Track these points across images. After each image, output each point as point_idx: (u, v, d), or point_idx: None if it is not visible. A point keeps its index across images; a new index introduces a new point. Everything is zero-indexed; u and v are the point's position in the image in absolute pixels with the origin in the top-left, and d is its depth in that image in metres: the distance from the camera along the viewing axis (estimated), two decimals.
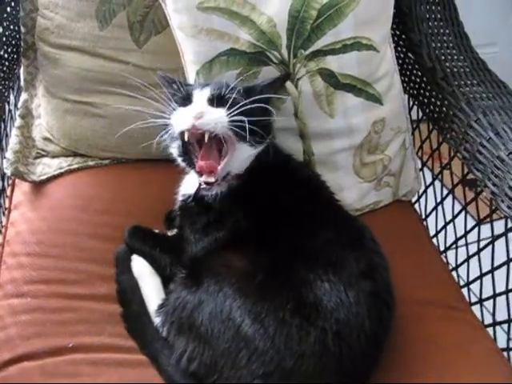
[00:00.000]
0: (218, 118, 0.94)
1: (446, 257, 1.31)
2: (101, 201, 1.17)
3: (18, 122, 1.27)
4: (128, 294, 1.04)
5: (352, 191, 1.20)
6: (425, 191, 1.36)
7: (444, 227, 1.30)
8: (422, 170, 1.36)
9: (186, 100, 0.99)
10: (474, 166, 1.08)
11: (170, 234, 1.15)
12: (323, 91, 1.09)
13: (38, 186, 1.20)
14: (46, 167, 1.22)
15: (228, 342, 0.88)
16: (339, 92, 1.11)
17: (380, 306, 0.94)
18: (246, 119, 0.93)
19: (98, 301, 1.02)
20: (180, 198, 1.09)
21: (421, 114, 1.32)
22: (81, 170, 1.22)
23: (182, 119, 0.95)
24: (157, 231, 1.14)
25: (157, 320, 0.98)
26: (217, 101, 0.96)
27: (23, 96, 1.30)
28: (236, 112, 0.93)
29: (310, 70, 1.08)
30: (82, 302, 1.02)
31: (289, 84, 1.08)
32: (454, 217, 1.27)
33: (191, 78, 1.11)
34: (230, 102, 0.95)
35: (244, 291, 0.89)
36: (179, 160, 1.07)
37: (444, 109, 1.17)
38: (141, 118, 1.18)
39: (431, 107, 1.24)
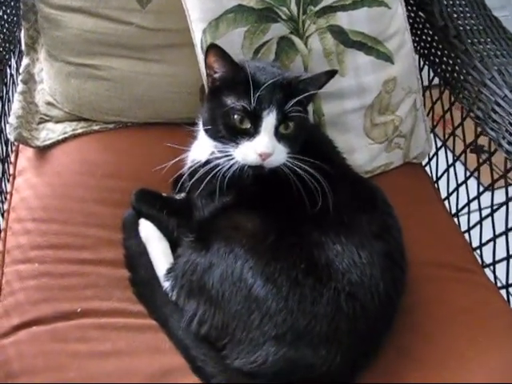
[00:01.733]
0: (282, 159, 0.93)
1: (458, 220, 1.29)
2: (107, 165, 1.15)
3: (20, 87, 1.24)
4: (136, 259, 1.02)
5: (363, 153, 1.18)
6: (435, 154, 1.33)
7: (455, 190, 1.27)
8: (432, 132, 1.32)
9: (252, 121, 0.92)
10: (488, 126, 1.05)
11: (177, 197, 1.14)
12: (333, 49, 1.06)
13: (42, 151, 1.17)
14: (50, 132, 1.19)
15: (240, 303, 0.86)
16: (350, 50, 1.08)
17: (394, 268, 0.93)
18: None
19: (105, 266, 1.01)
20: (189, 162, 1.06)
21: (431, 75, 1.28)
22: (85, 134, 1.19)
23: (247, 154, 0.92)
24: (164, 195, 1.12)
25: (166, 284, 0.96)
26: (281, 132, 0.93)
27: (25, 60, 1.27)
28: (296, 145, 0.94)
29: (319, 27, 1.05)
30: (90, 267, 1.00)
31: (298, 41, 1.05)
32: (466, 179, 1.25)
33: (197, 37, 1.07)
34: (292, 135, 0.93)
35: (255, 252, 0.88)
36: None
37: (457, 68, 1.14)
38: (147, 81, 1.17)
39: (443, 67, 1.20)
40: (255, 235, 0.90)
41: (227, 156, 0.93)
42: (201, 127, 1.04)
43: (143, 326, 0.94)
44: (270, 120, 0.91)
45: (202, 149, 1.03)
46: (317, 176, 0.91)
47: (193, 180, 1.03)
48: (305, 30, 1.04)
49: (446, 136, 1.28)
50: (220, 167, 0.94)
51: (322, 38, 1.05)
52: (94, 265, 1.01)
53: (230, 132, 0.93)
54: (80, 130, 1.18)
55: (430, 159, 1.35)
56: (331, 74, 0.97)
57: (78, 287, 0.97)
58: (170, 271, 0.97)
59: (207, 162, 0.99)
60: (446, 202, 1.30)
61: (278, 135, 0.92)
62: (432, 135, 1.31)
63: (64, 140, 1.17)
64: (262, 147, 0.91)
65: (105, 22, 1.13)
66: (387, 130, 1.17)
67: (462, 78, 1.12)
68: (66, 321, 0.92)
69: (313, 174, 0.92)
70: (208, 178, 0.97)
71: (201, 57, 1.09)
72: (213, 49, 0.94)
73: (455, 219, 1.27)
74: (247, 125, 0.92)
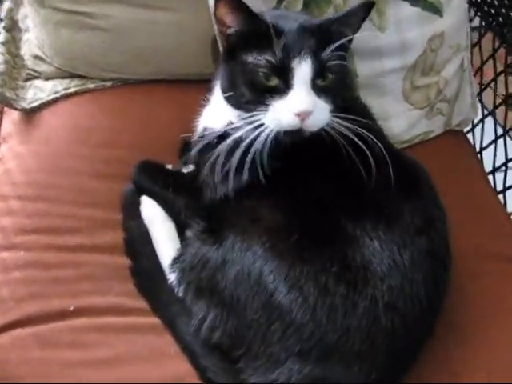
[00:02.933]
0: (325, 119, 0.78)
1: (504, 199, 1.13)
2: (102, 131, 1.00)
3: (2, 36, 1.08)
4: (137, 244, 0.90)
5: (400, 119, 1.04)
6: (481, 120, 1.17)
7: (505, 164, 1.11)
8: (479, 95, 1.15)
9: (281, 76, 0.77)
10: None
11: (185, 171, 0.99)
12: None
13: (29, 114, 1.03)
14: (39, 91, 1.04)
15: (257, 311, 0.74)
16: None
17: (436, 268, 0.79)
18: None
19: (101, 253, 0.89)
20: (200, 130, 0.91)
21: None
22: (79, 94, 1.04)
23: (282, 116, 0.76)
24: (170, 167, 0.97)
25: (171, 276, 0.84)
26: (320, 85, 0.77)
27: (6, 3, 1.10)
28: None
29: None
30: (83, 254, 0.88)
31: None
32: None
33: None
34: (333, 87, 0.78)
35: (278, 251, 0.74)
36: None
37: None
38: (149, 31, 1.00)
39: (499, 19, 1.02)
40: (277, 230, 0.76)
41: (255, 125, 0.77)
42: (216, 92, 0.88)
43: (145, 326, 0.83)
44: (303, 71, 0.76)
45: (216, 116, 0.87)
46: (371, 139, 0.76)
47: (204, 154, 0.88)
48: None
49: (497, 102, 1.11)
50: (242, 141, 0.78)
51: None
52: (89, 252, 0.89)
53: (256, 94, 0.78)
54: (73, 89, 1.04)
55: (473, 126, 1.18)
56: (368, 6, 0.81)
57: (70, 280, 0.85)
58: (175, 261, 0.84)
59: (224, 135, 0.83)
60: (491, 177, 1.14)
61: (317, 89, 0.77)
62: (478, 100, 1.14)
63: (55, 100, 1.03)
64: (298, 104, 0.75)
65: None
66: (430, 93, 1.03)
67: None
68: (55, 321, 0.81)
69: (366, 137, 0.77)
70: (225, 154, 0.81)
71: (212, 1, 0.91)
72: None
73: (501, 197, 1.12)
74: (275, 81, 0.77)
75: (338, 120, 0.78)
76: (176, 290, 0.83)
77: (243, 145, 0.78)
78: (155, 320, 0.83)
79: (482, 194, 1.06)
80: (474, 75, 1.13)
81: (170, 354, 0.80)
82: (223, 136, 0.83)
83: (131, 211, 0.92)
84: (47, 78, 1.05)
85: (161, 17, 1.00)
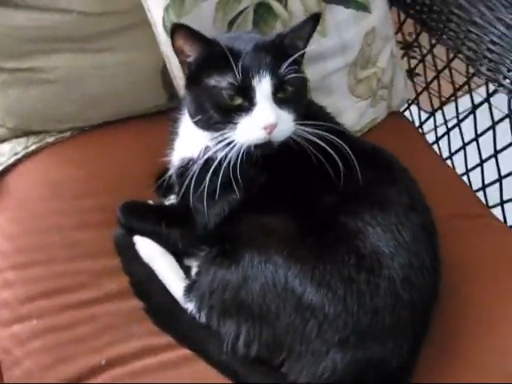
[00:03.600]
0: (290, 127, 0.82)
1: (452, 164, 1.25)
2: (75, 182, 0.99)
3: None
4: (145, 284, 0.90)
5: (350, 112, 1.11)
6: (416, 98, 1.28)
7: (447, 133, 1.23)
8: (410, 77, 1.26)
9: (244, 95, 0.80)
10: (482, 66, 1.00)
11: (167, 203, 1.01)
12: (314, 8, 0.95)
13: None
14: None
15: (290, 315, 0.78)
16: (329, 6, 1.00)
17: (431, 237, 0.87)
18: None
19: (112, 301, 0.88)
20: (177, 162, 0.93)
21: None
22: (40, 150, 1.01)
23: (250, 131, 0.80)
24: (151, 203, 0.99)
25: (189, 306, 0.86)
26: (281, 98, 0.81)
27: None
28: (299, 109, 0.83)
29: None
30: (96, 307, 0.87)
31: (276, 5, 0.94)
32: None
33: (156, 15, 0.92)
34: (294, 98, 0.82)
35: (298, 257, 0.78)
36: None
37: (435, 8, 1.06)
38: (98, 75, 1.00)
39: (417, 7, 1.12)
40: (292, 238, 0.80)
41: (227, 143, 0.81)
42: (185, 122, 0.91)
43: (179, 359, 0.83)
44: (264, 87, 0.80)
45: (191, 145, 0.90)
46: (337, 142, 0.82)
47: (186, 181, 0.91)
48: None
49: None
50: (220, 160, 0.82)
51: None
52: (100, 303, 0.87)
53: (223, 115, 0.81)
54: (33, 147, 1.00)
55: (409, 105, 1.29)
56: (315, 18, 0.86)
57: (90, 335, 0.84)
58: (189, 290, 0.86)
59: (202, 159, 0.86)
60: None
61: (278, 101, 0.81)
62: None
63: (17, 162, 0.99)
64: (264, 119, 0.79)
65: (37, 13, 0.93)
66: (371, 83, 1.10)
67: (443, 18, 1.04)
68: (92, 379, 0.79)
69: (331, 140, 0.82)
70: (208, 177, 0.84)
71: (162, 37, 0.94)
72: (179, 30, 0.81)
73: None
74: (239, 100, 0.80)
75: (303, 127, 0.82)
76: (197, 317, 0.84)
77: (224, 164, 0.81)
78: (185, 351, 0.84)
79: (432, 163, 1.16)
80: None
81: (212, 377, 0.81)
82: (202, 160, 0.86)
83: (128, 254, 0.92)
84: (3, 141, 1.01)
85: (108, 59, 0.99)
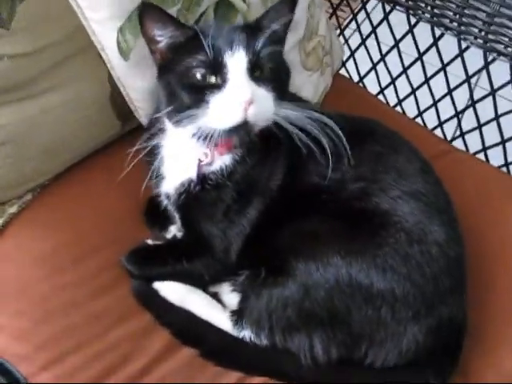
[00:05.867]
0: (269, 109, 0.75)
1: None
2: (65, 247, 0.87)
3: None
4: (190, 330, 0.84)
5: (307, 87, 1.10)
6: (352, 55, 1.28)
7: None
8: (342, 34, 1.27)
9: (217, 72, 0.74)
10: None
11: (169, 236, 0.93)
12: None
13: None
14: None
15: (361, 308, 0.78)
16: None
17: (445, 190, 0.89)
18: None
19: (165, 360, 0.80)
20: (172, 190, 0.86)
21: None
22: (7, 226, 0.87)
23: (223, 111, 0.72)
24: (151, 243, 0.91)
25: (244, 334, 0.82)
26: (256, 75, 0.75)
27: None
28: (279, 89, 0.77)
29: None
30: (152, 374, 0.79)
31: (237, 0, 0.86)
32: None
33: (104, 39, 0.81)
34: (274, 76, 0.77)
35: (354, 252, 0.78)
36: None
37: None
38: (48, 120, 0.87)
39: None
40: (340, 236, 0.79)
41: (205, 136, 0.75)
42: (169, 141, 0.85)
43: None
44: (237, 62, 0.74)
45: (185, 164, 0.84)
46: (327, 124, 0.79)
47: (190, 207, 0.85)
48: None
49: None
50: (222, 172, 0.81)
51: None
52: (154, 368, 0.79)
53: (196, 97, 0.74)
54: None
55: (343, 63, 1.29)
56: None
57: None
58: (240, 318, 0.83)
59: (199, 177, 0.82)
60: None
61: (256, 80, 0.75)
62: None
63: None
64: (236, 94, 0.73)
65: None
66: (318, 53, 1.10)
67: None
68: None
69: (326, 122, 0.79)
70: (214, 195, 0.82)
71: (114, 61, 0.85)
72: (148, 12, 0.76)
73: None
74: (212, 78, 0.75)
75: (291, 111, 0.76)
76: (257, 342, 0.81)
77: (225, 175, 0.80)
78: (260, 378, 0.81)
79: (385, 113, 1.18)
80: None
81: None
82: (204, 178, 0.82)
83: (157, 303, 0.85)
84: None
85: (54, 99, 0.86)
